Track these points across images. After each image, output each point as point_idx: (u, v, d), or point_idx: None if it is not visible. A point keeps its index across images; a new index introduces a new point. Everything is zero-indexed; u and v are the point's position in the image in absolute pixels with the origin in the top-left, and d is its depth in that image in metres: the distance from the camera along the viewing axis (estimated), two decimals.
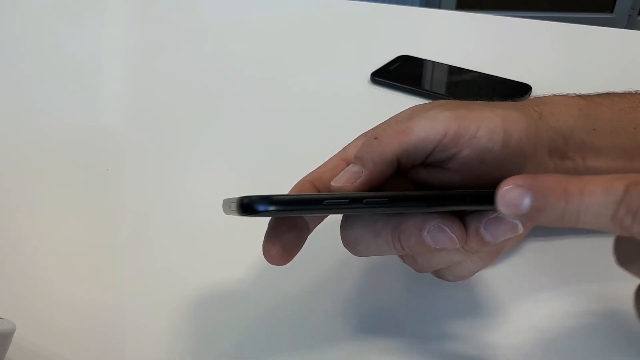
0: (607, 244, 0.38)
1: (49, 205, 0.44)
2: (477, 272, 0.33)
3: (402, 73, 0.60)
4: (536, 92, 0.56)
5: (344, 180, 0.30)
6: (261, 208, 0.25)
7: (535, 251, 0.38)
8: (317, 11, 0.76)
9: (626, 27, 2.03)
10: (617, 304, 0.35)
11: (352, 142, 0.35)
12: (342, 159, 0.33)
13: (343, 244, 0.30)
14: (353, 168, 0.30)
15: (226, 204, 0.27)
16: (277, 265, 0.30)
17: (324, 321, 0.34)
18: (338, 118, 0.54)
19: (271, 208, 0.25)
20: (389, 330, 0.34)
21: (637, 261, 0.25)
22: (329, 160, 0.34)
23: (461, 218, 0.28)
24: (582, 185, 0.23)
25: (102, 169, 0.47)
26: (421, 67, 0.62)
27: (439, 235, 0.28)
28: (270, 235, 0.30)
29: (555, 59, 0.65)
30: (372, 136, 0.31)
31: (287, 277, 0.36)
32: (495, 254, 0.33)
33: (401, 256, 0.33)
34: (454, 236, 0.28)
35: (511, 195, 0.24)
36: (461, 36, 0.73)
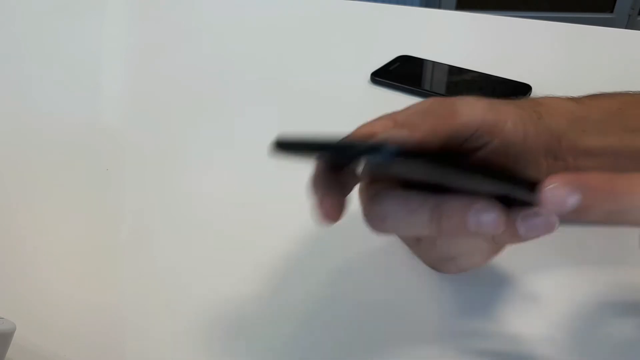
0: (607, 241, 0.39)
1: (49, 205, 0.44)
2: (478, 265, 0.33)
3: (402, 73, 0.60)
4: (536, 92, 0.56)
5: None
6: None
7: (538, 246, 0.38)
8: (317, 11, 0.76)
9: (626, 27, 2.03)
10: (618, 299, 0.35)
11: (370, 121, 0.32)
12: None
13: (366, 220, 0.29)
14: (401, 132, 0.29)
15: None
16: (329, 223, 0.28)
17: (325, 324, 0.34)
18: (338, 118, 0.53)
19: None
20: (391, 332, 0.34)
21: None
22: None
23: None
24: (629, 184, 0.23)
25: (102, 169, 0.47)
26: (421, 67, 0.62)
27: (485, 217, 0.26)
28: (321, 187, 0.28)
29: (555, 59, 0.65)
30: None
31: (289, 278, 0.36)
32: (499, 249, 0.33)
33: (412, 245, 0.33)
34: (500, 220, 0.27)
35: (555, 193, 0.24)
36: (461, 36, 0.73)
